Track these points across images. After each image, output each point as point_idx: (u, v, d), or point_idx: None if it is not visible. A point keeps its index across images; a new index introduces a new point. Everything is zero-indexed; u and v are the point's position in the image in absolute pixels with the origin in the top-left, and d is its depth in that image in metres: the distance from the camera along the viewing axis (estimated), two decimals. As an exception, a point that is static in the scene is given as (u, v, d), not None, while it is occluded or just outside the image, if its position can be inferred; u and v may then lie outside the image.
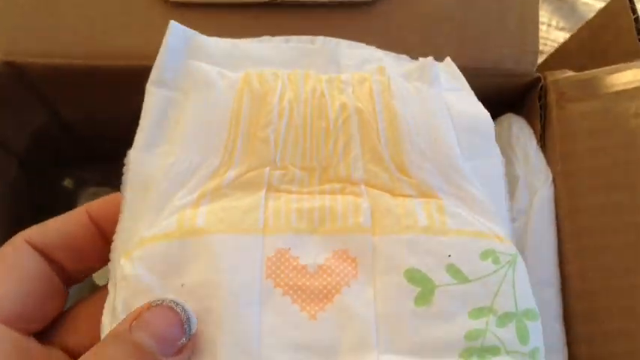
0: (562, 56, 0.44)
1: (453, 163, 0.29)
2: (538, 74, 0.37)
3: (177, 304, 0.24)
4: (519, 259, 0.28)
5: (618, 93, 0.34)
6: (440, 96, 0.31)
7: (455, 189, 0.29)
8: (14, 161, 0.39)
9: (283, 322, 0.26)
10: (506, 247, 0.28)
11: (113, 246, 0.28)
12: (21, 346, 0.27)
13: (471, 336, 0.26)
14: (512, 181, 0.36)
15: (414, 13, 0.37)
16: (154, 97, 0.30)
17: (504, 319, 0.27)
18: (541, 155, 0.36)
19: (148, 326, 0.23)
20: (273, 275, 0.27)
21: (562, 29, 0.70)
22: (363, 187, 0.29)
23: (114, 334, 0.24)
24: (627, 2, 0.37)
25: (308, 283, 0.27)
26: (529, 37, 0.36)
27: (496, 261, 0.27)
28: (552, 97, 0.36)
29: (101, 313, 0.28)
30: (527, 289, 0.28)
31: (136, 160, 0.29)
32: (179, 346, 0.24)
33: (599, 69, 0.35)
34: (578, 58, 0.42)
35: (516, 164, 0.36)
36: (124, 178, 0.29)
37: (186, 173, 0.29)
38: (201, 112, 0.30)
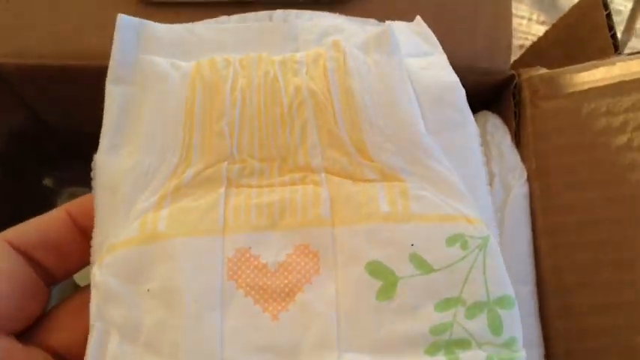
0: (538, 52, 0.44)
1: (417, 140, 0.28)
2: (512, 72, 0.37)
3: None
4: (491, 241, 0.27)
5: (589, 91, 0.34)
6: (401, 67, 0.29)
7: (420, 168, 0.28)
8: (-8, 162, 0.39)
9: (246, 325, 0.26)
10: (477, 229, 0.27)
11: (92, 250, 0.28)
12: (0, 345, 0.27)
13: (436, 330, 0.25)
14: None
15: (389, 10, 0.37)
16: (112, 95, 0.30)
17: (474, 309, 0.26)
18: (516, 153, 0.36)
19: None
20: (235, 276, 0.26)
21: (543, 23, 0.70)
22: (323, 175, 0.28)
23: None
24: (599, -2, 0.38)
25: (269, 283, 0.26)
26: (502, 33, 0.37)
27: (464, 246, 0.26)
28: (526, 94, 0.36)
29: (84, 312, 0.28)
30: (501, 274, 0.26)
31: (102, 163, 0.29)
32: None
33: (571, 66, 0.35)
34: (554, 53, 0.42)
35: (491, 162, 0.36)
36: (92, 182, 0.29)
37: (147, 175, 0.28)
38: (156, 109, 0.29)
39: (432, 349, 0.25)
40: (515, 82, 0.37)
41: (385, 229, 0.26)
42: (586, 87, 0.34)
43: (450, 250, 0.26)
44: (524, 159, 0.36)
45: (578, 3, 0.40)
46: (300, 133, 0.28)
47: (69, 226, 0.30)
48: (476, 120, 0.37)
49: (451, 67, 0.31)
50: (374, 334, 0.25)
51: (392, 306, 0.25)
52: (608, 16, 0.37)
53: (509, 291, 0.26)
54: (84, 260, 0.30)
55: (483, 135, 0.37)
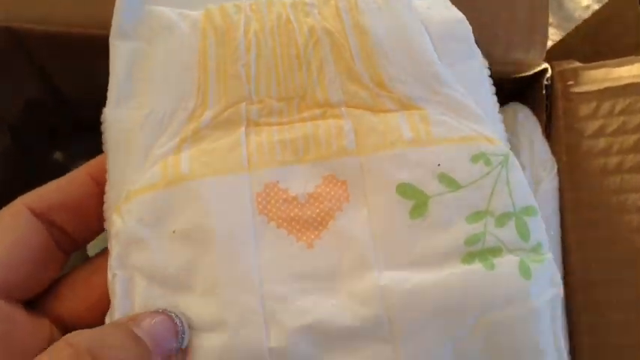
0: (566, 47, 0.44)
1: (433, 70, 0.29)
2: (546, 64, 0.37)
3: (177, 316, 0.25)
4: (512, 158, 0.28)
5: (626, 86, 0.34)
6: (410, 5, 0.30)
7: (437, 96, 0.28)
8: (6, 132, 0.38)
9: (282, 255, 0.26)
10: (497, 147, 0.28)
11: (105, 206, 0.28)
12: (4, 314, 0.26)
13: (470, 240, 0.26)
14: (517, 170, 0.36)
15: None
16: (118, 50, 0.29)
17: (502, 218, 0.27)
18: (546, 145, 0.36)
19: (147, 326, 0.24)
20: (265, 210, 0.27)
21: (550, 25, 0.70)
22: (343, 108, 0.28)
23: (116, 324, 0.25)
24: (634, -4, 0.38)
25: (301, 213, 0.27)
26: (538, 26, 0.36)
27: (487, 163, 0.27)
28: (559, 87, 0.36)
29: (93, 281, 0.29)
30: (524, 186, 0.28)
31: (112, 117, 0.29)
32: (170, 353, 0.25)
33: (607, 61, 0.35)
34: (583, 49, 0.42)
35: (521, 153, 0.36)
36: (103, 137, 0.29)
37: (162, 121, 0.28)
38: (167, 58, 0.29)
39: (468, 258, 0.26)
40: (547, 74, 0.36)
41: (411, 153, 0.27)
42: (623, 82, 0.34)
43: (474, 167, 0.27)
44: (554, 152, 0.36)
45: (611, 0, 0.40)
46: (318, 70, 0.29)
47: (90, 187, 0.29)
48: (506, 111, 0.37)
49: (454, 7, 0.32)
50: (410, 251, 0.26)
51: (425, 223, 0.26)
52: (642, 13, 0.37)
53: (532, 201, 0.28)
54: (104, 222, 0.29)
55: (514, 126, 0.37)
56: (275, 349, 0.25)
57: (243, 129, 0.28)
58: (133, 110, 0.29)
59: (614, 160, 0.34)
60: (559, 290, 0.27)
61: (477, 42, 0.33)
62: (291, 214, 0.27)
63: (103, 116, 0.29)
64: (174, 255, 0.26)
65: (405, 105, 0.28)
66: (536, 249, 0.27)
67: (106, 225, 0.28)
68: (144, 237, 0.26)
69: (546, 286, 0.27)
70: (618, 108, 0.34)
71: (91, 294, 0.29)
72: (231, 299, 0.25)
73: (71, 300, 0.29)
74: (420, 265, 0.26)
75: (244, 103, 0.28)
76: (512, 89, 0.39)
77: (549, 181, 0.35)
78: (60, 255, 0.29)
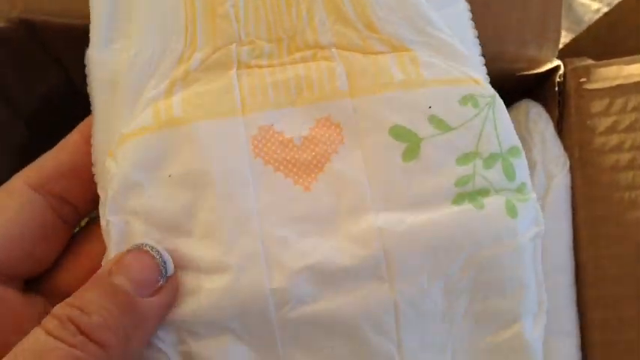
0: (576, 47, 0.44)
1: (421, 11, 0.29)
2: (559, 61, 0.37)
3: (153, 247, 0.25)
4: (497, 99, 0.29)
5: (638, 83, 0.34)
6: None
7: (426, 37, 0.29)
8: (22, 123, 0.38)
9: (279, 198, 0.27)
10: (484, 89, 0.28)
11: (92, 149, 0.28)
12: None
13: (461, 182, 0.27)
14: (529, 166, 0.36)
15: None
16: None
17: (490, 160, 0.28)
18: (558, 141, 0.36)
19: (125, 270, 0.25)
20: (262, 153, 0.27)
21: (559, 27, 0.71)
22: (333, 50, 0.29)
23: (94, 278, 0.25)
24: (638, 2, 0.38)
25: (297, 156, 0.27)
26: (551, 23, 0.36)
27: (475, 104, 0.28)
28: (571, 84, 0.36)
29: (87, 248, 0.29)
30: (509, 127, 0.29)
31: (96, 58, 0.29)
32: (156, 287, 0.25)
33: (620, 59, 0.35)
34: (593, 50, 0.42)
35: (533, 149, 0.36)
36: (88, 79, 0.29)
37: (151, 63, 0.28)
38: None
39: (458, 199, 0.27)
40: (560, 71, 0.37)
41: (403, 95, 0.28)
42: (634, 79, 0.34)
43: (464, 109, 0.28)
44: (566, 149, 0.36)
45: (619, 4, 0.40)
46: (307, 11, 0.29)
47: (84, 149, 0.29)
48: (518, 107, 0.38)
49: None
50: (405, 193, 0.27)
51: (418, 166, 0.27)
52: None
53: (517, 142, 0.29)
54: None
55: (526, 122, 0.37)
56: (277, 290, 0.26)
57: (234, 71, 0.28)
58: (118, 51, 0.29)
59: (626, 157, 0.34)
60: (541, 229, 0.29)
61: (489, 39, 0.33)
62: (287, 157, 0.27)
63: (86, 58, 0.29)
64: (171, 199, 0.26)
65: (395, 47, 0.29)
66: (521, 189, 0.28)
67: (94, 169, 0.28)
68: (140, 181, 0.27)
69: (531, 225, 0.28)
70: (630, 105, 0.34)
71: (82, 263, 0.29)
72: (232, 242, 0.26)
73: (62, 272, 0.29)
74: (414, 206, 0.27)
75: (234, 45, 0.29)
76: (524, 86, 0.39)
77: (562, 178, 0.35)
78: (64, 227, 0.29)
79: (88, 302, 0.24)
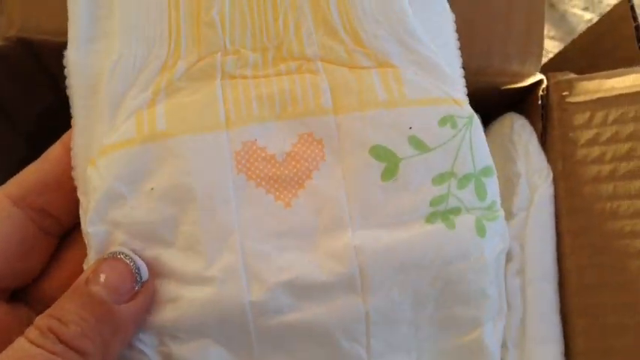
0: (563, 59, 0.45)
1: (407, 26, 0.29)
2: (542, 75, 0.38)
3: (127, 255, 0.26)
4: (475, 119, 0.29)
5: (618, 97, 0.35)
6: None
7: (411, 54, 0.29)
8: (21, 139, 0.39)
9: (261, 214, 0.27)
10: (463, 109, 0.29)
11: (72, 152, 0.28)
12: None
13: (435, 201, 0.28)
14: (513, 178, 0.37)
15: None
16: None
17: (464, 180, 0.28)
18: (542, 154, 0.37)
19: (100, 279, 0.25)
20: (244, 169, 0.27)
21: (552, 38, 0.72)
22: (319, 63, 0.29)
23: (73, 288, 0.26)
24: (629, 10, 0.39)
25: (279, 172, 0.28)
26: (534, 38, 0.37)
27: (454, 125, 0.28)
28: (554, 98, 0.37)
29: (67, 255, 0.30)
30: (484, 147, 0.29)
31: (76, 60, 0.28)
32: (132, 293, 0.26)
33: (601, 72, 0.36)
34: (578, 62, 0.43)
35: (518, 161, 0.37)
36: (67, 81, 0.28)
37: (133, 69, 0.28)
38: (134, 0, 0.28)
39: (431, 218, 0.28)
40: (543, 85, 0.38)
41: (385, 114, 0.28)
42: (615, 93, 0.35)
43: (442, 130, 0.28)
44: (550, 161, 0.37)
45: (608, 14, 0.41)
46: (294, 21, 0.29)
47: (66, 160, 0.28)
48: (503, 120, 0.39)
49: None
50: (382, 212, 0.28)
51: (396, 185, 0.28)
52: (637, 28, 0.38)
53: (490, 162, 0.29)
54: None
55: (510, 135, 0.38)
56: (255, 302, 0.26)
57: (218, 82, 0.28)
58: (99, 53, 0.28)
59: (607, 168, 0.35)
60: (506, 245, 0.30)
61: (474, 53, 0.34)
62: (269, 173, 0.28)
63: (64, 59, 0.28)
64: (153, 211, 0.27)
65: (380, 62, 0.29)
66: (491, 207, 0.29)
67: (73, 173, 0.28)
68: (122, 193, 0.27)
69: (497, 242, 0.29)
70: (611, 118, 0.35)
71: (66, 270, 0.29)
72: (213, 256, 0.26)
73: (48, 280, 0.30)
74: (391, 224, 0.28)
75: (219, 54, 0.28)
76: (508, 100, 0.40)
77: (545, 189, 0.36)
78: (46, 239, 0.29)
79: (66, 312, 0.24)
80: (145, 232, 0.27)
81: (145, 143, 0.27)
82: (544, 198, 0.36)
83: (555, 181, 0.36)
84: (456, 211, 0.28)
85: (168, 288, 0.27)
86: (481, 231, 0.28)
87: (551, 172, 0.37)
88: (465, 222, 0.28)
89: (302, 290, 0.27)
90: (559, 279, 0.36)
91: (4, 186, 0.28)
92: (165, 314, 0.27)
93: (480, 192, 0.29)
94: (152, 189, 0.27)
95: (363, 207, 0.28)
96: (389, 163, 0.28)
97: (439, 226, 0.28)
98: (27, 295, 0.30)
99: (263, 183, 0.28)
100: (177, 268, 0.27)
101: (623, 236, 0.34)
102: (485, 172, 0.29)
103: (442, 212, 0.28)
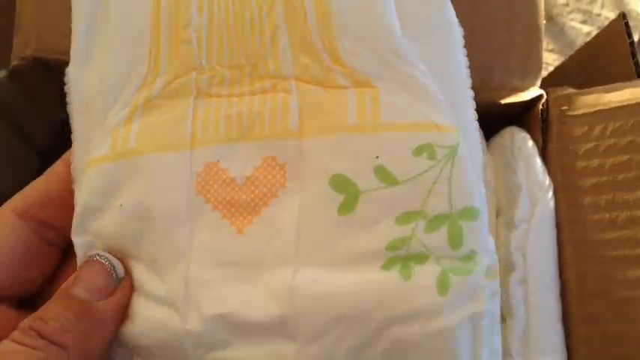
0: (561, 74, 0.46)
1: (392, 45, 0.27)
2: (541, 91, 0.39)
3: (102, 255, 0.27)
4: (461, 150, 0.26)
5: (616, 109, 0.36)
6: None
7: (394, 73, 0.27)
8: (35, 156, 0.40)
9: (213, 239, 0.27)
10: (446, 137, 0.26)
11: (72, 167, 0.29)
12: None
13: (393, 245, 0.25)
14: (514, 190, 0.38)
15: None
16: (79, 7, 0.29)
17: (435, 223, 0.25)
18: (543, 167, 0.38)
19: (81, 281, 0.27)
20: (204, 191, 0.27)
21: (551, 51, 0.73)
22: (292, 82, 0.27)
23: (59, 293, 0.27)
24: (623, 27, 0.40)
25: (237, 197, 0.27)
26: (534, 54, 0.38)
27: (432, 156, 0.25)
28: (554, 112, 0.38)
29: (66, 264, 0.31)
30: (468, 185, 0.26)
31: (74, 77, 0.29)
32: (110, 290, 0.27)
33: (599, 87, 0.37)
34: (577, 77, 0.44)
35: (519, 174, 0.38)
36: (67, 97, 0.29)
37: (116, 87, 0.28)
38: (121, 20, 0.29)
39: (388, 264, 0.25)
40: (543, 100, 0.39)
41: (352, 141, 0.26)
42: (612, 105, 0.36)
43: (416, 161, 0.25)
44: (550, 173, 0.38)
45: (603, 30, 0.42)
46: (271, 37, 0.28)
47: (68, 176, 0.30)
48: (503, 134, 0.39)
49: None
50: (332, 249, 0.25)
51: (352, 221, 0.25)
52: (632, 44, 0.39)
53: (475, 202, 0.26)
54: None
55: (511, 148, 0.39)
56: (191, 332, 0.26)
57: (192, 100, 0.28)
58: (91, 72, 0.29)
59: (606, 179, 0.35)
60: (481, 308, 0.25)
61: (476, 66, 0.35)
62: (227, 197, 0.27)
63: (66, 76, 0.29)
64: (122, 227, 0.27)
65: (357, 81, 0.27)
66: (469, 257, 0.26)
67: (74, 187, 0.29)
68: (98, 207, 0.28)
69: (465, 303, 0.25)
70: (609, 130, 0.36)
71: (62, 280, 0.30)
72: (164, 278, 0.27)
73: (54, 287, 0.30)
74: (339, 265, 0.25)
75: (195, 72, 0.28)
76: (509, 114, 0.41)
77: (546, 202, 0.37)
78: (50, 250, 0.31)
79: (47, 312, 0.26)
80: (117, 246, 0.28)
81: (117, 160, 0.27)
82: (545, 211, 0.37)
83: (556, 192, 0.37)
84: (420, 258, 0.25)
85: (137, 302, 0.27)
86: (443, 287, 0.25)
87: (552, 184, 0.37)
88: (425, 273, 0.25)
89: (236, 327, 0.26)
90: (561, 289, 0.36)
91: (10, 200, 0.30)
92: (127, 331, 0.27)
93: (454, 238, 0.25)
94: (121, 205, 0.27)
95: (313, 242, 0.26)
96: (348, 195, 0.26)
97: (393, 274, 0.25)
98: (37, 302, 0.30)
99: (220, 207, 0.27)
100: (143, 283, 0.27)
101: (622, 245, 0.34)
102: (466, 214, 0.25)
103: (402, 258, 0.25)
